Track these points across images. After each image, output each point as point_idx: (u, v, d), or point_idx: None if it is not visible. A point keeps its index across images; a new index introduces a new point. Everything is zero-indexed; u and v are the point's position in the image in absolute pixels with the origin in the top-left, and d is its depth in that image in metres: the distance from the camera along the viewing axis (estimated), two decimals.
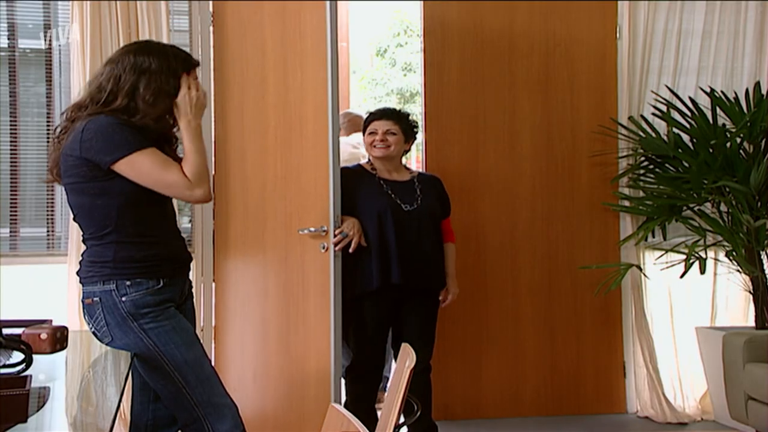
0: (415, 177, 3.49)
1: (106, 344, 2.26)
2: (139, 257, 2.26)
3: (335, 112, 3.43)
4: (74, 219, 2.36)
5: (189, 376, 2.27)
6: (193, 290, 2.56)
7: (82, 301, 2.32)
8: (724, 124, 4.01)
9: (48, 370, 1.90)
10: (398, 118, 3.45)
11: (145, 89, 2.26)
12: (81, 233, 2.36)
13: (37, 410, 1.58)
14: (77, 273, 2.36)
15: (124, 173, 2.21)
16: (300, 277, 3.54)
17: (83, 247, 2.35)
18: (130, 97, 2.25)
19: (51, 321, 2.21)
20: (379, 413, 3.27)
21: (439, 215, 3.47)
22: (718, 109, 4.02)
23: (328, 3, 3.39)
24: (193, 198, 2.29)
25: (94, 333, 2.29)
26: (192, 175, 2.27)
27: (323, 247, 3.40)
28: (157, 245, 2.31)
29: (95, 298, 2.26)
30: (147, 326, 2.24)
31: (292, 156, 3.59)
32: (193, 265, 2.78)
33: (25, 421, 1.46)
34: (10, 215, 3.68)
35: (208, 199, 2.35)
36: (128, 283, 2.24)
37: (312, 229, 3.44)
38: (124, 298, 2.24)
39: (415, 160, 7.99)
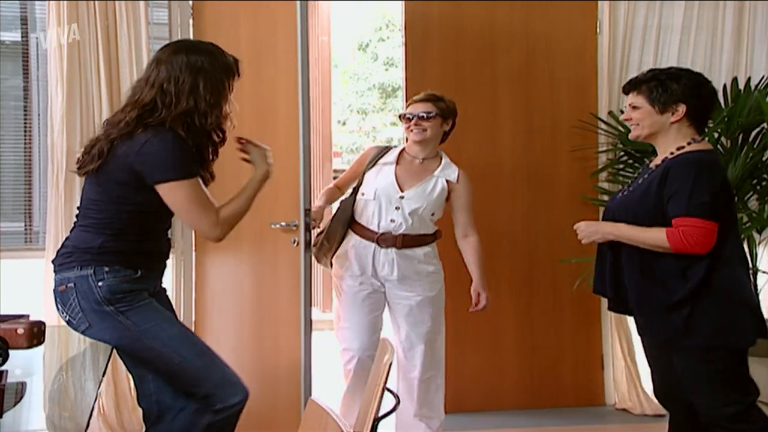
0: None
1: (83, 332, 2.23)
2: (124, 249, 2.27)
3: (306, 108, 3.40)
4: (78, 207, 2.35)
5: (182, 350, 2.25)
6: (173, 287, 2.56)
7: (55, 291, 2.29)
8: None
9: (25, 365, 1.89)
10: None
11: (204, 89, 2.26)
12: (67, 220, 2.34)
13: (14, 405, 1.57)
14: (53, 261, 2.33)
15: (161, 193, 2.22)
16: (272, 271, 3.52)
17: (61, 241, 2.33)
18: (193, 97, 2.25)
19: (28, 316, 2.20)
20: None
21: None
22: None
23: (298, 3, 3.37)
24: (210, 235, 2.31)
25: (68, 322, 2.27)
26: (227, 217, 2.30)
27: (294, 242, 3.39)
28: (145, 243, 2.33)
29: (69, 284, 2.24)
30: (122, 308, 2.23)
31: None
32: (173, 261, 2.76)
33: (0, 416, 1.45)
34: None
35: (220, 240, 2.35)
36: (107, 269, 2.24)
37: (283, 223, 3.43)
38: (100, 284, 2.23)
39: None
